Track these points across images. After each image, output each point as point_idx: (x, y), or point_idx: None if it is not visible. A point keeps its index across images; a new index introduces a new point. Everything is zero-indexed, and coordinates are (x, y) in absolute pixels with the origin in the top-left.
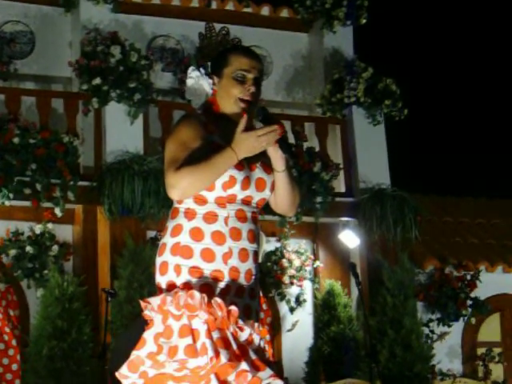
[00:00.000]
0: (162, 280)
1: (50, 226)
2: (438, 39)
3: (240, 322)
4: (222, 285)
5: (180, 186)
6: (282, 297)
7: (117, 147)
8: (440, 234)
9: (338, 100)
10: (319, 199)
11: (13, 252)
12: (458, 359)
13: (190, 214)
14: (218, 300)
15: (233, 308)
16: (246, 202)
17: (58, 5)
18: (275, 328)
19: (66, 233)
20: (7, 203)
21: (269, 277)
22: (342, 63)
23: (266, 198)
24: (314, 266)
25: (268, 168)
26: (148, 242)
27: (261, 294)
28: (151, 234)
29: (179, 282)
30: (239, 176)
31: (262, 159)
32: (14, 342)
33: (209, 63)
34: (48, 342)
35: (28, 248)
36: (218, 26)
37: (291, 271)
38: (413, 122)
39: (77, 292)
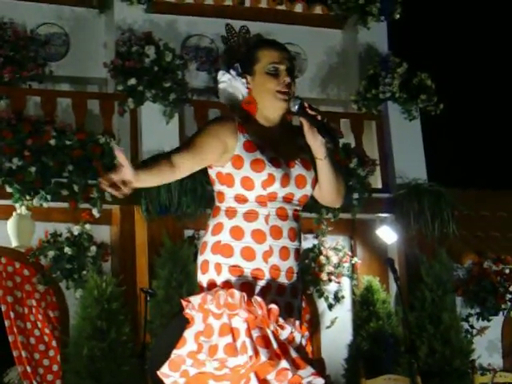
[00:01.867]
0: (203, 279)
1: (87, 226)
2: (473, 32)
3: (281, 321)
4: (262, 283)
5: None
6: (321, 294)
7: (153, 147)
8: (478, 228)
9: (373, 96)
10: (356, 195)
11: (51, 253)
12: (498, 353)
13: (230, 213)
14: (258, 299)
15: (273, 306)
16: (288, 199)
17: (92, 6)
18: (314, 325)
19: (103, 233)
20: (45, 205)
21: (307, 274)
22: (376, 59)
23: (307, 194)
24: (352, 262)
25: (308, 164)
26: (185, 241)
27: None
28: (189, 233)
29: (219, 280)
30: (278, 173)
31: (301, 155)
32: (54, 343)
33: (237, 64)
34: (87, 343)
35: (66, 249)
36: (251, 24)
37: (329, 268)
38: (449, 116)
39: (115, 292)
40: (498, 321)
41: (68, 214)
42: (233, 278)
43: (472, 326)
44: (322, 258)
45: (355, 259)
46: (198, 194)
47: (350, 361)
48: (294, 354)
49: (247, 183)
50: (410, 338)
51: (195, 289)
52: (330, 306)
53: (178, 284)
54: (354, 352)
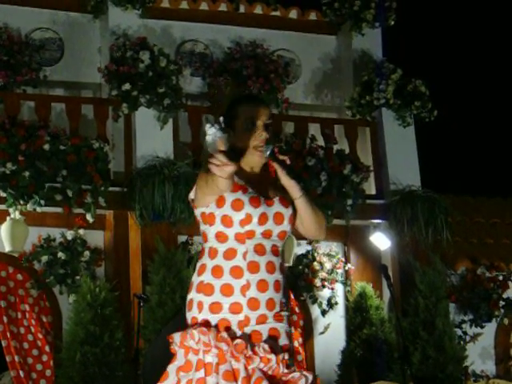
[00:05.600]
0: (188, 316)
1: (81, 231)
2: (467, 39)
3: (249, 353)
4: (240, 316)
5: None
6: (314, 300)
7: (147, 152)
8: (471, 234)
9: (367, 102)
10: (350, 202)
11: (45, 258)
12: (491, 360)
13: (212, 253)
14: (225, 335)
15: (238, 342)
16: (266, 235)
17: (87, 11)
18: (307, 331)
19: (97, 238)
20: (39, 210)
21: (300, 280)
22: (370, 65)
23: (286, 230)
24: (346, 268)
25: (286, 202)
26: (179, 246)
27: (292, 304)
28: (182, 238)
29: (200, 317)
30: (255, 213)
31: (280, 194)
32: (47, 348)
33: (221, 118)
34: (81, 348)
35: (60, 254)
36: (245, 30)
37: (323, 274)
38: (443, 123)
39: (109, 297)
40: (491, 327)
41: (62, 218)
42: (211, 315)
43: (465, 333)
44: (315, 264)
45: (349, 265)
46: None
47: (343, 367)
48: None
49: (226, 221)
50: (404, 345)
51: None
52: (324, 312)
53: (172, 289)
54: (347, 358)
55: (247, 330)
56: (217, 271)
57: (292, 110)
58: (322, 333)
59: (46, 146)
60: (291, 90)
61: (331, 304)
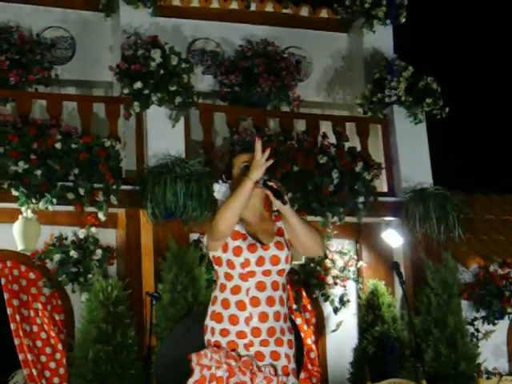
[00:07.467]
0: (205, 338)
1: (93, 230)
2: (479, 35)
3: (254, 369)
4: (245, 341)
5: (218, 222)
6: (326, 297)
7: (158, 150)
8: (483, 232)
9: (378, 99)
10: (361, 199)
11: (57, 257)
12: (504, 357)
13: (222, 288)
14: (234, 353)
15: (245, 358)
16: (266, 274)
17: (98, 10)
18: (319, 329)
19: (109, 237)
20: (51, 208)
21: (312, 277)
22: (382, 62)
23: (284, 268)
24: (358, 265)
25: (281, 245)
26: (191, 244)
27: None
28: (194, 236)
29: (213, 339)
30: (253, 258)
31: (276, 239)
32: (59, 346)
33: (223, 175)
34: (93, 346)
35: (72, 252)
36: (257, 28)
37: (334, 271)
38: (455, 120)
39: (121, 296)
40: (503, 325)
41: (74, 217)
42: (222, 338)
43: (478, 330)
44: (327, 261)
45: (361, 263)
46: (204, 198)
47: (356, 364)
48: None
49: (230, 264)
50: (416, 342)
51: (200, 292)
52: (336, 310)
53: (184, 287)
54: (360, 356)
55: (252, 350)
56: (225, 303)
57: (303, 108)
58: (334, 330)
59: (58, 145)
60: (302, 88)
61: (343, 301)
